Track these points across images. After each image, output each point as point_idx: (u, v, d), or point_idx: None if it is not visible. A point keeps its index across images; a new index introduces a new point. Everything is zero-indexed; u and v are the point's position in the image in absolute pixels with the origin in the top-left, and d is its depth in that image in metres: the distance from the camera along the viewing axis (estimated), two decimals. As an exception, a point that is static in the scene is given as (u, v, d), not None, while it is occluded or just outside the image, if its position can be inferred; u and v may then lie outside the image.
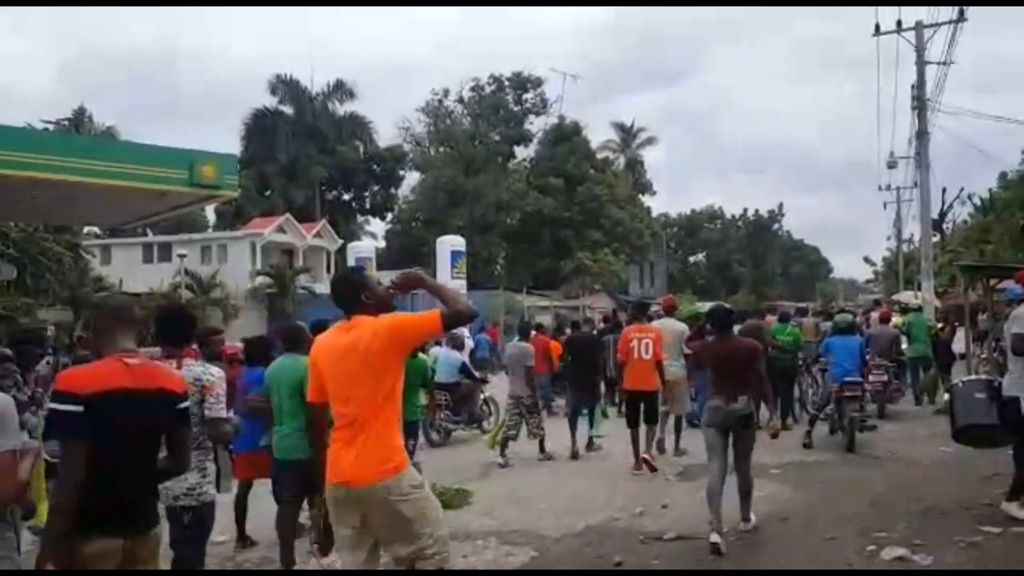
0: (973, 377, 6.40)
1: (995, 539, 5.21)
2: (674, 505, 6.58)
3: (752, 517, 5.73)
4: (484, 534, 5.92)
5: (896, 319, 14.02)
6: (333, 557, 4.60)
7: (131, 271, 31.71)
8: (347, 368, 3.14)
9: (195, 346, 4.37)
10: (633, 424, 8.19)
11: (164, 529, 3.12)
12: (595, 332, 12.33)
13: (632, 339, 8.33)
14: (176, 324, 4.00)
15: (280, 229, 36.15)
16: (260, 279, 32.11)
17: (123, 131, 34.79)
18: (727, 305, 10.21)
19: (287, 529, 5.03)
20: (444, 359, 10.57)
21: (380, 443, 3.08)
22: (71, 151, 11.90)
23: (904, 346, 12.30)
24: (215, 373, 3.83)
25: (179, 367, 3.63)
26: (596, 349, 10.22)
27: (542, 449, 9.04)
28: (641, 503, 6.62)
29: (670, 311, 10.10)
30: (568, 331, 12.92)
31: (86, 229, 33.67)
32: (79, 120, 38.10)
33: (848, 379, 8.74)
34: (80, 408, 2.64)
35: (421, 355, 6.66)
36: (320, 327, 4.40)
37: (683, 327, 9.49)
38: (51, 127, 28.07)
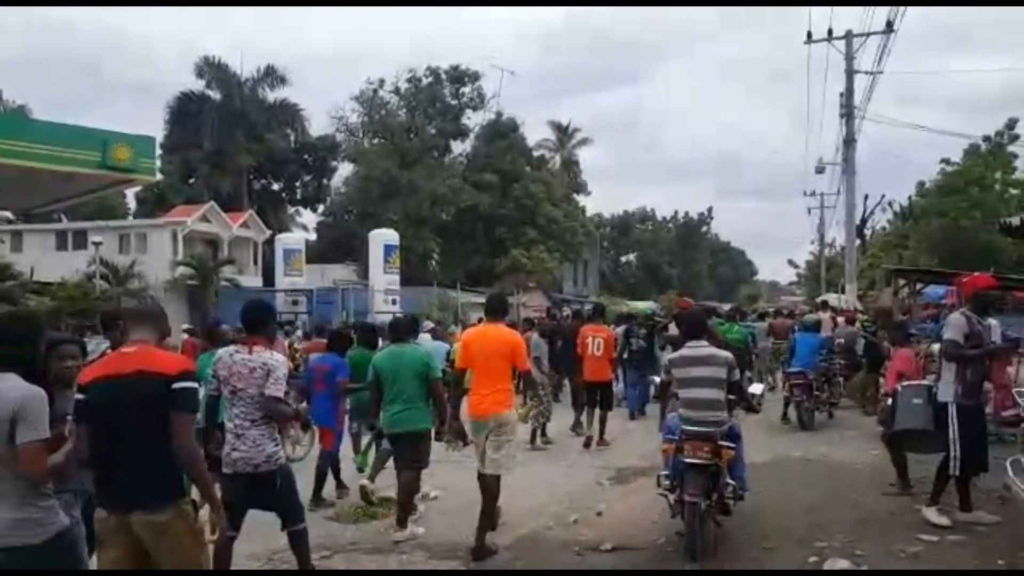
0: (914, 382, 6.40)
1: (934, 548, 5.18)
2: (609, 512, 6.38)
3: None
4: (411, 547, 5.58)
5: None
6: (410, 530, 5.76)
7: (43, 259, 29.76)
8: (490, 350, 5.48)
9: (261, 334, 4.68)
10: (589, 404, 9.70)
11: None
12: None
13: (588, 337, 9.61)
14: (252, 316, 4.56)
15: (204, 218, 34.59)
16: (181, 270, 30.65)
17: (41, 114, 32.74)
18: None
19: (409, 493, 5.85)
20: (435, 349, 10.07)
21: (504, 395, 5.52)
22: (-34, 128, 10.97)
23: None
24: (279, 359, 4.40)
25: (251, 353, 4.33)
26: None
27: (536, 437, 9.62)
28: (575, 510, 6.38)
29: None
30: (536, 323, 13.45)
31: (-2, 214, 31.62)
32: (-16, 96, 35.67)
33: (793, 371, 10.33)
34: (82, 396, 3.18)
35: (416, 344, 6.46)
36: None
37: None
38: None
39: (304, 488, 5.33)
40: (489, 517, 5.42)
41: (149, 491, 3.09)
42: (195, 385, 3.24)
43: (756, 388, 7.66)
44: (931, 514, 5.66)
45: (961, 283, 6.04)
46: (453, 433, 5.76)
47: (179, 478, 3.23)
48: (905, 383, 6.40)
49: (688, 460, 4.98)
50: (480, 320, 9.91)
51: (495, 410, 5.42)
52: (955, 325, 5.56)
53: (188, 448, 3.15)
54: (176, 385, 3.12)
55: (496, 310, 5.86)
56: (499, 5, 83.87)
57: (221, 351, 4.57)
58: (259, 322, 4.53)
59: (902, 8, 18.16)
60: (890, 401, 6.43)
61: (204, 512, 3.49)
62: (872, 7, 19.36)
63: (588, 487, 7.31)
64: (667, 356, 6.30)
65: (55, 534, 2.97)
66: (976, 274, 6.44)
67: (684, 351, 5.43)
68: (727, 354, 5.43)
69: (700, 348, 5.37)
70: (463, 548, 5.44)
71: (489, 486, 5.41)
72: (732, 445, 5.16)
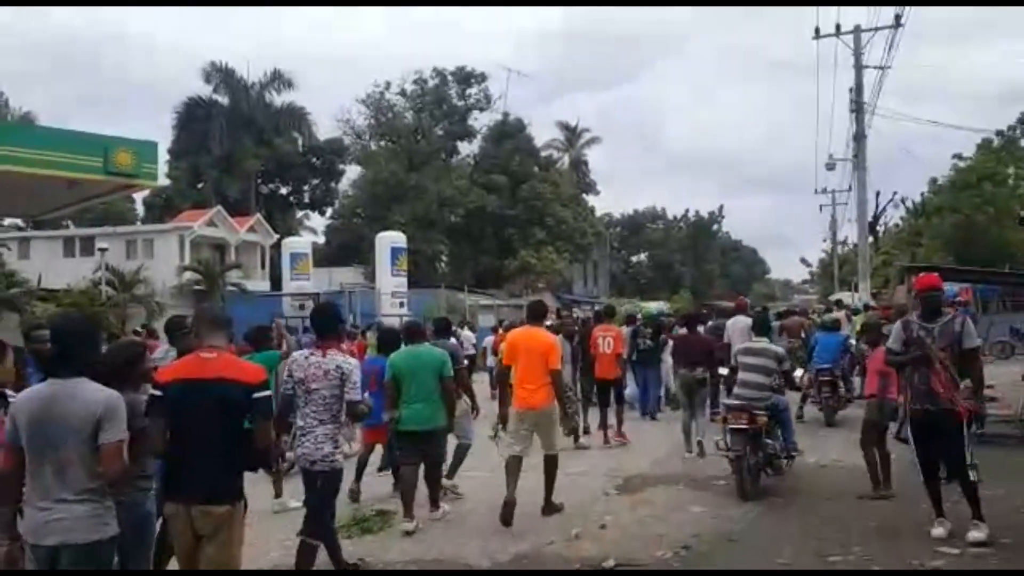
0: None
1: (956, 561, 4.94)
2: (613, 525, 6.12)
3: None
4: (405, 562, 5.38)
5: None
6: (444, 508, 6.31)
7: (51, 265, 29.86)
8: (531, 350, 6.26)
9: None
10: (604, 404, 10.03)
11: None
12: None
13: (598, 337, 10.04)
14: (323, 321, 4.82)
15: (211, 223, 34.60)
16: (187, 275, 30.62)
17: (48, 120, 32.86)
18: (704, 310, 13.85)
19: (409, 486, 6.03)
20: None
21: (547, 390, 6.16)
22: (-36, 134, 10.89)
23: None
24: (352, 363, 4.65)
25: (324, 356, 4.58)
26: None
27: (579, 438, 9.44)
28: (577, 523, 6.12)
29: (742, 310, 11.43)
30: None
31: (7, 221, 31.68)
32: (-8, 104, 35.84)
33: (821, 367, 10.50)
34: (159, 392, 3.45)
35: (429, 346, 6.57)
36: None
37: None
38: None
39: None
40: (551, 483, 6.46)
41: (214, 488, 3.40)
42: (271, 393, 3.61)
43: (797, 372, 8.76)
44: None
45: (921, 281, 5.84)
46: (499, 419, 6.55)
47: (240, 479, 3.54)
48: None
49: (731, 426, 6.68)
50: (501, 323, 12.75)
51: (542, 404, 6.28)
52: (893, 333, 5.75)
53: (268, 446, 3.58)
54: (257, 394, 3.47)
55: (537, 315, 6.77)
56: (501, 5, 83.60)
57: (295, 354, 4.94)
58: (329, 327, 4.81)
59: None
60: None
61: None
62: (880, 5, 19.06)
63: (593, 497, 7.07)
64: (735, 347, 7.88)
65: (111, 536, 3.15)
66: (922, 275, 6.19)
67: (748, 343, 7.20)
68: (779, 349, 7.09)
69: (758, 342, 7.14)
70: (462, 563, 5.24)
71: (549, 462, 6.46)
72: (768, 416, 6.73)
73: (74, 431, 3.04)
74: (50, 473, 3.06)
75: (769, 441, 6.79)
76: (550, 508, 6.38)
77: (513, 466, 6.16)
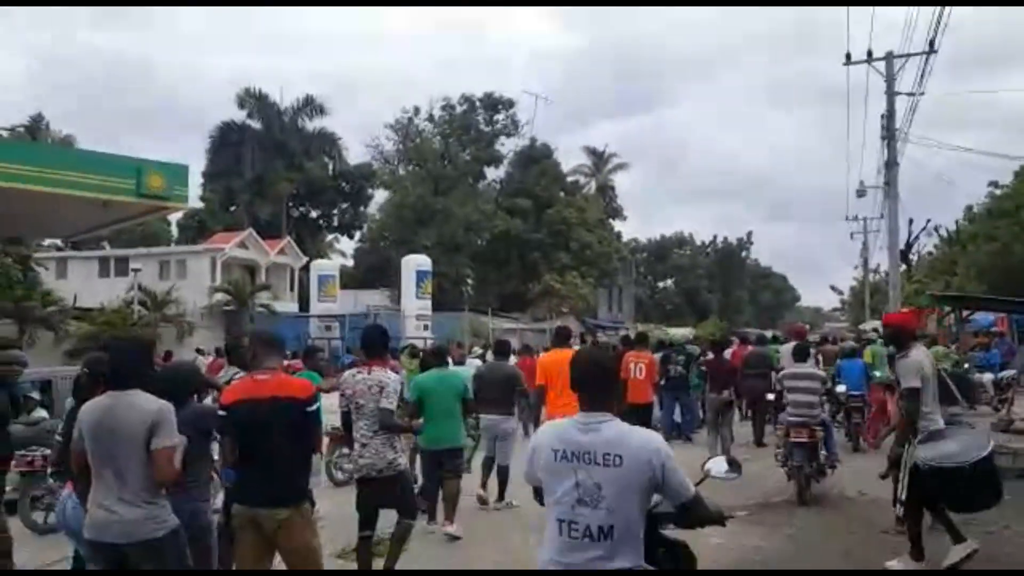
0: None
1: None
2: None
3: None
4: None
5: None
6: (456, 526, 6.34)
7: (86, 285, 30.56)
8: (562, 370, 6.32)
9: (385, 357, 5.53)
10: None
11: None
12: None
13: (630, 362, 10.17)
14: (370, 341, 5.23)
15: (242, 245, 35.19)
16: (218, 296, 31.10)
17: (87, 143, 33.82)
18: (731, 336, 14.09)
19: (455, 495, 6.41)
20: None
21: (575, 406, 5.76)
22: (5, 156, 11.23)
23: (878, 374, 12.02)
24: (393, 376, 5.03)
25: (369, 372, 4.95)
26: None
27: None
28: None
29: (801, 336, 11.64)
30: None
31: (47, 241, 32.54)
32: (35, 127, 37.00)
33: (853, 393, 10.42)
34: (224, 413, 3.86)
35: (456, 367, 7.23)
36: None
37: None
38: (5, 133, 27.08)
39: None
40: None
41: (276, 493, 3.75)
42: (320, 405, 4.02)
43: (840, 388, 9.90)
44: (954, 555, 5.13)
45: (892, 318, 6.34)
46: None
47: (302, 484, 3.89)
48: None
49: (794, 440, 7.50)
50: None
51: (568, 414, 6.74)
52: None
53: (310, 451, 4.01)
54: (309, 408, 3.84)
55: (563, 338, 8.20)
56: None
57: (346, 373, 5.30)
58: (377, 345, 5.21)
59: (942, 27, 17.65)
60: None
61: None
62: (912, 27, 18.88)
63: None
64: (781, 372, 8.82)
65: (172, 530, 3.41)
66: (887, 313, 6.46)
67: (793, 369, 8.18)
68: (822, 372, 8.40)
69: (804, 367, 8.16)
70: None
71: None
72: (822, 430, 7.71)
73: (130, 438, 3.34)
74: (111, 476, 3.35)
75: (823, 452, 7.69)
76: None
77: None
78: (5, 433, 5.20)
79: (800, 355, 8.62)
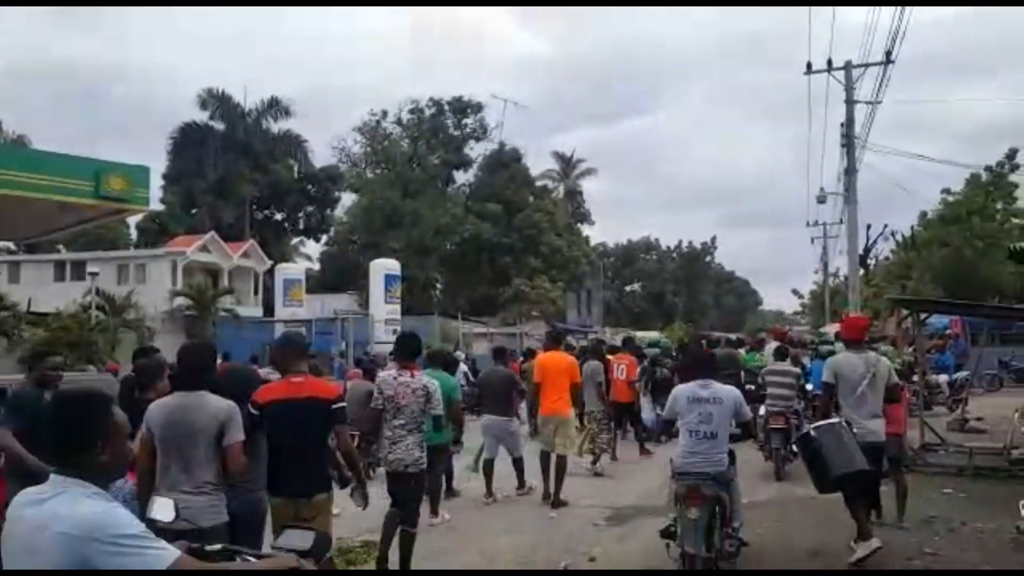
0: (825, 422, 5.71)
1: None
2: (603, 556, 6.05)
3: None
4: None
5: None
6: (444, 516, 7.12)
7: (41, 289, 29.68)
8: (556, 369, 8.12)
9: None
10: (618, 426, 11.38)
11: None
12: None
13: (614, 364, 11.06)
14: (407, 346, 5.73)
15: (204, 248, 34.53)
16: (179, 300, 30.47)
17: (41, 145, 32.88)
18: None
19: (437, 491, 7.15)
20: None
21: (565, 401, 8.05)
22: (-45, 157, 10.84)
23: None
24: (436, 384, 5.56)
25: (412, 377, 5.48)
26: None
27: (595, 462, 9.88)
28: (567, 555, 6.06)
29: (781, 338, 13.51)
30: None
31: (-1, 244, 31.59)
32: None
33: (817, 392, 11.31)
34: (257, 412, 4.18)
35: (442, 372, 7.25)
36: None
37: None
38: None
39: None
40: (560, 481, 7.91)
41: (309, 483, 4.18)
42: (345, 404, 4.46)
43: (809, 386, 10.48)
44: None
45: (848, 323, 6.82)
46: (531, 428, 8.84)
47: (328, 475, 4.35)
48: (817, 424, 5.80)
49: (772, 426, 9.12)
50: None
51: (561, 411, 8.13)
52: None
53: (349, 447, 4.44)
54: (335, 406, 4.30)
55: (556, 339, 8.92)
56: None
57: (383, 374, 5.93)
58: (414, 351, 5.75)
59: (900, 37, 18.14)
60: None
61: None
62: (871, 36, 19.37)
63: (582, 528, 6.99)
64: (764, 369, 10.24)
65: (224, 520, 3.72)
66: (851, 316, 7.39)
67: (773, 367, 9.46)
68: (797, 370, 9.39)
69: (781, 365, 9.51)
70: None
71: (559, 461, 7.97)
72: (796, 419, 9.16)
73: (201, 434, 3.67)
74: (177, 469, 3.67)
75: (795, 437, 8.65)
76: (558, 503, 7.78)
77: (545, 462, 8.00)
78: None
79: (779, 355, 9.74)
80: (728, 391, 5.18)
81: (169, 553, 2.00)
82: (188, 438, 3.67)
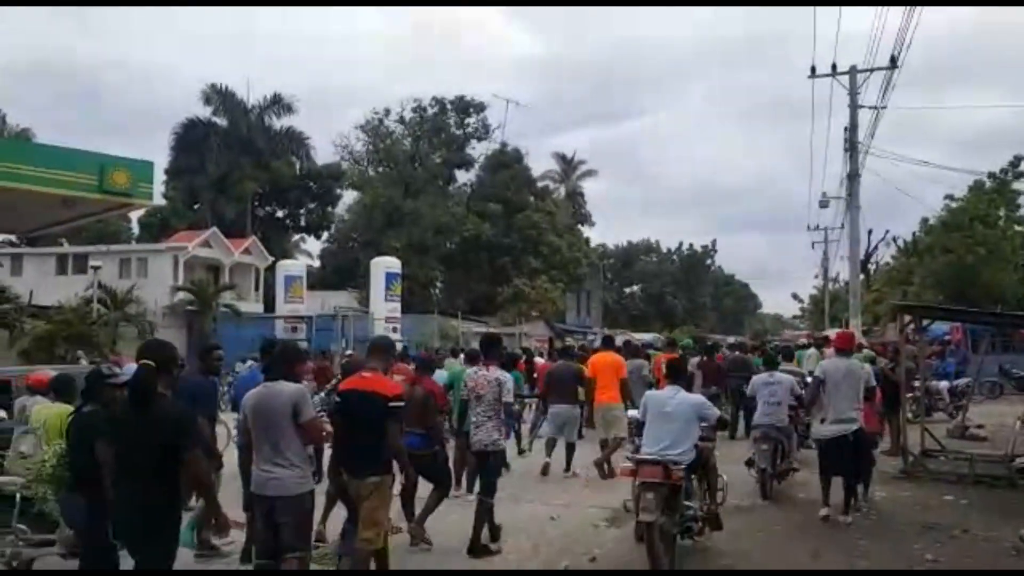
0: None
1: None
2: (604, 557, 6.06)
3: None
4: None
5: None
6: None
7: (43, 283, 29.69)
8: (607, 366, 9.76)
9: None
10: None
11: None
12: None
13: (662, 362, 11.42)
14: (488, 345, 6.86)
15: (206, 244, 34.51)
16: (180, 295, 30.48)
17: (45, 138, 32.88)
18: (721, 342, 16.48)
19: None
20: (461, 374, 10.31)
21: (615, 392, 9.55)
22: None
23: None
24: (508, 376, 6.52)
25: (488, 370, 6.43)
26: None
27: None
28: (566, 555, 6.06)
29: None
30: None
31: (1, 238, 31.52)
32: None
33: None
34: (339, 399, 5.07)
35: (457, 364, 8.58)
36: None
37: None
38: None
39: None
40: (611, 452, 9.19)
41: (365, 466, 4.67)
42: (403, 404, 4.94)
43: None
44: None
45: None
46: (584, 419, 10.23)
47: (385, 460, 4.74)
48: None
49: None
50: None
51: (612, 401, 9.51)
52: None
53: (396, 444, 4.81)
54: (391, 404, 4.73)
55: (608, 343, 10.95)
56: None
57: (469, 370, 7.01)
58: (493, 349, 6.81)
59: (906, 43, 18.16)
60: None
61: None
62: (877, 40, 19.37)
63: (583, 529, 6.98)
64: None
65: (310, 489, 4.40)
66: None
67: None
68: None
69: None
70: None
71: (614, 441, 9.23)
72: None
73: (282, 414, 4.30)
74: (267, 446, 4.32)
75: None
76: (609, 471, 8.99)
77: (603, 443, 9.39)
78: None
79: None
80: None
81: None
82: (273, 419, 4.31)
